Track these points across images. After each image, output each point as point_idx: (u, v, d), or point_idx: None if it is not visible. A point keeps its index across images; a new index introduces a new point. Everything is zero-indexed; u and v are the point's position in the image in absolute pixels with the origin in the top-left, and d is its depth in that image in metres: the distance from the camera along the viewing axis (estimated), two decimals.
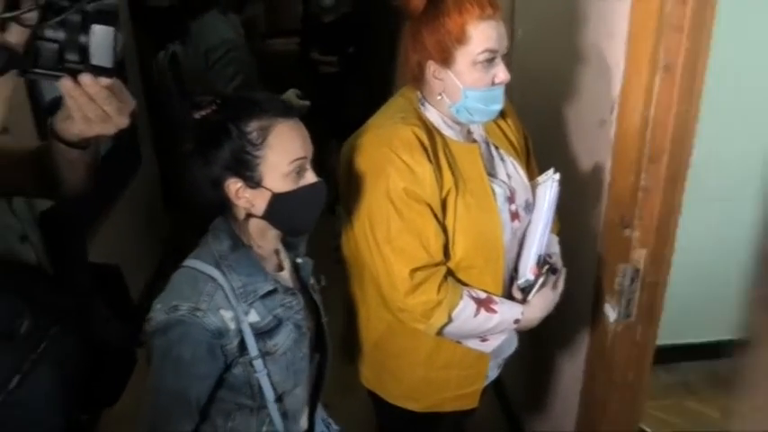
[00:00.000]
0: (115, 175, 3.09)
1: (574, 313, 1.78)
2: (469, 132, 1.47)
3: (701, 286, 2.66)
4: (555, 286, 1.48)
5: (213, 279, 1.15)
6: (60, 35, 0.73)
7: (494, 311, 1.40)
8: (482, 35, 1.27)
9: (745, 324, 0.97)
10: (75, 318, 1.15)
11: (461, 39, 1.27)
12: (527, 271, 1.47)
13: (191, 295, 1.13)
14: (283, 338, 1.22)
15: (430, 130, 1.38)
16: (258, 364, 1.18)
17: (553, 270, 1.48)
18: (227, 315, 1.14)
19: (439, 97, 1.36)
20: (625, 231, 1.50)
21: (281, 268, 1.31)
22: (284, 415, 1.27)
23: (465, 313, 1.37)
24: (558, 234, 1.61)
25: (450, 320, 1.37)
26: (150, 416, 1.16)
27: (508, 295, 1.48)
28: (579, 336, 1.84)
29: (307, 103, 1.32)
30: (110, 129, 0.87)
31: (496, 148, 1.50)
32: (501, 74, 1.32)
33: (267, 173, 1.14)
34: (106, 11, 0.75)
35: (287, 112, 1.16)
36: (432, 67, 1.33)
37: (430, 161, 1.33)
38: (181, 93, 3.39)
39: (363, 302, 1.53)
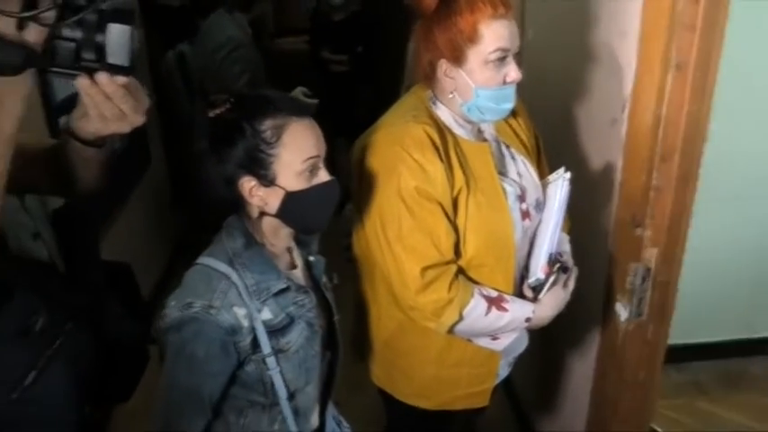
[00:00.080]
0: (126, 174, 3.10)
1: (585, 312, 1.77)
2: (480, 131, 1.48)
3: (713, 285, 2.66)
4: (566, 285, 1.48)
5: (227, 277, 1.16)
6: (77, 34, 0.74)
7: (505, 310, 1.40)
8: (494, 34, 1.27)
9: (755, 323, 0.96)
10: (89, 315, 1.16)
11: (473, 38, 1.27)
12: (538, 270, 1.47)
13: (205, 292, 1.14)
14: (296, 336, 1.23)
15: (441, 128, 1.38)
16: (271, 361, 1.18)
17: (564, 269, 1.48)
18: (240, 312, 1.14)
19: (450, 96, 1.36)
20: (636, 230, 1.49)
21: (293, 266, 1.31)
22: (296, 412, 1.28)
23: (476, 312, 1.38)
24: (569, 233, 1.61)
25: (460, 319, 1.37)
26: (163, 412, 1.17)
27: (519, 294, 1.47)
28: (590, 335, 1.83)
29: (315, 101, 1.32)
30: (125, 127, 0.88)
31: (507, 146, 1.50)
32: (512, 73, 1.32)
33: (281, 171, 1.14)
34: (123, 10, 0.75)
35: (301, 110, 1.16)
36: (443, 66, 1.33)
37: (441, 160, 1.33)
38: (189, 92, 3.41)
39: (374, 301, 1.53)
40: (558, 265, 1.46)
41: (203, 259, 1.21)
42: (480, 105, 1.34)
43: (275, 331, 1.20)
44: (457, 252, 1.39)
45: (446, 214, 1.35)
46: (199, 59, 3.33)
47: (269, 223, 1.21)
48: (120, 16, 0.75)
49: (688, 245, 1.53)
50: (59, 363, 1.04)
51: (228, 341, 1.14)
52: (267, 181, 1.14)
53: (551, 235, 1.46)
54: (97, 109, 0.84)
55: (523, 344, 1.63)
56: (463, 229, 1.38)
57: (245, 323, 1.15)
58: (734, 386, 2.77)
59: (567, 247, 1.58)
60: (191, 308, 1.12)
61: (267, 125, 1.13)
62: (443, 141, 1.36)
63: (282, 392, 1.22)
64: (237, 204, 1.22)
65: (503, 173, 1.45)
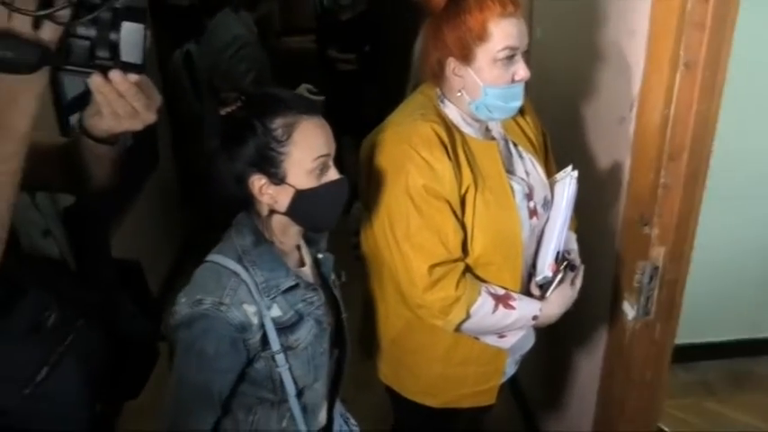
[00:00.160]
0: (135, 172, 3.12)
1: (592, 311, 1.77)
2: (488, 129, 1.48)
3: (720, 285, 2.65)
4: (573, 283, 1.48)
5: (236, 274, 1.16)
6: (92, 32, 0.75)
7: (512, 308, 1.40)
8: (503, 32, 1.27)
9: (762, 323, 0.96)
10: (100, 312, 1.16)
11: (482, 36, 1.27)
12: (545, 268, 1.47)
13: (215, 289, 1.14)
14: (305, 333, 1.23)
15: (449, 127, 1.38)
16: (280, 358, 1.19)
17: (571, 267, 1.48)
18: (250, 309, 1.15)
19: (459, 94, 1.36)
20: (644, 229, 1.49)
21: (302, 264, 1.32)
22: (304, 409, 1.28)
23: (483, 309, 1.38)
24: (576, 231, 1.61)
25: (468, 316, 1.37)
26: (173, 409, 1.17)
27: (526, 292, 1.48)
28: (597, 333, 1.83)
29: (321, 97, 1.33)
30: (138, 124, 0.88)
31: (515, 145, 1.50)
32: (521, 71, 1.32)
33: (291, 169, 1.15)
34: (136, 8, 0.76)
35: (311, 109, 1.16)
36: (452, 65, 1.33)
37: (449, 158, 1.33)
38: (196, 91, 3.43)
39: (382, 299, 1.54)
40: (565, 264, 1.46)
41: (213, 257, 1.21)
42: (488, 104, 1.34)
43: (284, 328, 1.20)
44: (464, 250, 1.39)
45: (454, 212, 1.35)
46: (206, 58, 3.35)
47: (278, 221, 1.22)
48: (133, 14, 0.76)
49: (695, 243, 1.53)
50: (71, 359, 1.05)
51: (238, 338, 1.14)
52: (277, 179, 1.15)
53: (559, 233, 1.46)
54: (110, 107, 0.84)
55: (530, 342, 1.63)
56: (471, 227, 1.38)
57: (255, 320, 1.16)
58: (741, 386, 2.77)
59: (574, 246, 1.59)
60: (201, 305, 1.13)
61: (278, 123, 1.13)
62: (451, 140, 1.36)
63: (291, 389, 1.23)
64: (247, 202, 1.22)
65: (510, 171, 1.45)
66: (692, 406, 2.62)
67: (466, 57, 1.30)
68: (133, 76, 0.80)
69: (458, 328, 1.40)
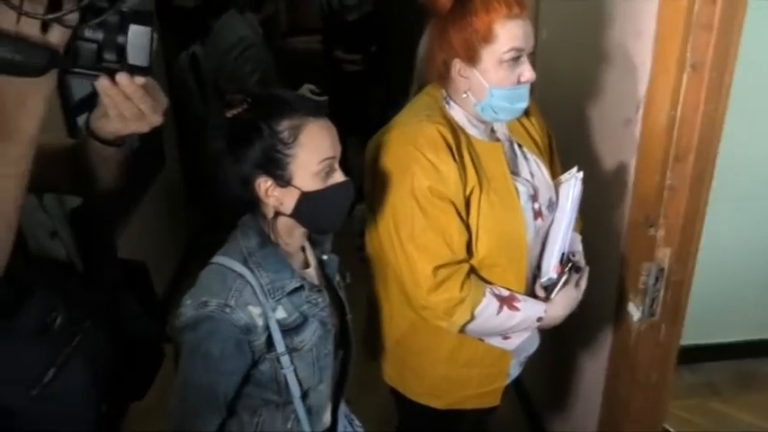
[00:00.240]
0: (141, 174, 3.13)
1: (597, 312, 1.77)
2: (493, 131, 1.48)
3: (725, 286, 2.65)
4: (578, 285, 1.48)
5: (242, 276, 1.17)
6: (99, 35, 0.75)
7: (516, 309, 1.40)
8: (509, 34, 1.27)
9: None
10: (107, 313, 1.17)
11: (488, 37, 1.27)
12: (550, 269, 1.47)
13: (220, 291, 1.15)
14: (309, 335, 1.23)
15: (454, 128, 1.38)
16: (285, 360, 1.19)
17: (576, 268, 1.48)
18: (255, 311, 1.15)
19: (464, 95, 1.37)
20: (650, 230, 1.49)
21: (307, 265, 1.32)
22: (309, 411, 1.28)
23: (488, 311, 1.38)
24: (581, 232, 1.61)
25: (472, 318, 1.37)
26: (178, 411, 1.18)
27: (531, 293, 1.48)
28: (602, 335, 1.83)
29: (324, 98, 1.33)
30: (144, 126, 0.89)
31: (520, 146, 1.50)
32: (527, 72, 1.31)
33: (297, 172, 1.15)
34: (143, 11, 0.76)
35: (317, 111, 1.17)
36: (457, 66, 1.33)
37: (454, 159, 1.33)
38: (202, 93, 3.43)
39: (386, 300, 1.54)
40: (570, 265, 1.46)
41: (218, 258, 1.21)
42: (494, 105, 1.34)
43: (289, 330, 1.21)
44: (469, 251, 1.39)
45: (459, 214, 1.35)
46: (211, 60, 3.35)
47: (284, 223, 1.22)
48: (140, 18, 0.76)
49: (701, 244, 1.53)
50: (78, 360, 1.05)
51: (243, 340, 1.15)
52: (283, 181, 1.15)
53: (563, 234, 1.46)
54: (117, 109, 0.85)
55: (535, 343, 1.63)
56: (476, 228, 1.38)
57: (260, 322, 1.16)
58: (747, 387, 2.76)
59: (579, 247, 1.58)
60: (206, 306, 1.13)
61: (284, 125, 1.13)
62: (457, 141, 1.36)
63: (296, 391, 1.23)
64: (252, 204, 1.23)
65: (515, 172, 1.45)
66: (697, 407, 2.62)
67: (472, 58, 1.30)
68: (140, 79, 0.81)
69: (462, 330, 1.40)
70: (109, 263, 1.30)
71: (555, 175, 1.55)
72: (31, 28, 0.70)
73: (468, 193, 1.36)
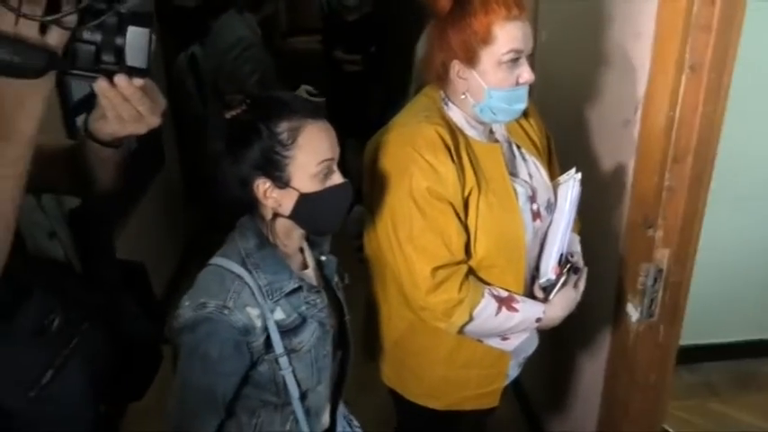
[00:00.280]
0: (140, 174, 3.12)
1: (595, 313, 1.77)
2: (491, 132, 1.48)
3: (724, 286, 2.65)
4: (576, 285, 1.48)
5: (240, 277, 1.16)
6: (97, 37, 0.75)
7: (515, 310, 1.40)
8: (508, 35, 1.27)
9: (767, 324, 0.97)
10: (105, 314, 1.17)
11: (487, 39, 1.27)
12: (548, 270, 1.47)
13: (218, 293, 1.14)
14: (308, 336, 1.23)
15: (453, 129, 1.38)
16: (284, 361, 1.19)
17: (575, 269, 1.48)
18: (253, 312, 1.15)
19: (463, 97, 1.37)
20: (648, 231, 1.49)
21: (305, 266, 1.32)
22: (307, 412, 1.28)
23: (486, 312, 1.38)
24: (580, 233, 1.61)
25: (471, 319, 1.37)
26: (177, 412, 1.18)
27: (530, 294, 1.48)
28: (601, 335, 1.83)
29: (321, 99, 1.33)
30: (142, 128, 0.89)
31: (518, 147, 1.50)
32: (525, 74, 1.32)
33: (295, 173, 1.15)
34: (141, 13, 0.76)
35: (316, 112, 1.17)
36: (456, 67, 1.33)
37: (453, 161, 1.33)
38: (201, 93, 3.43)
39: (385, 301, 1.54)
40: (568, 266, 1.46)
41: (216, 260, 1.21)
42: (493, 106, 1.34)
43: (288, 331, 1.21)
44: (467, 252, 1.39)
45: (457, 215, 1.35)
46: (210, 61, 3.35)
47: (282, 224, 1.22)
48: (138, 19, 0.76)
49: (699, 246, 1.53)
50: (76, 362, 1.05)
51: (242, 341, 1.15)
52: (282, 183, 1.15)
53: (562, 236, 1.46)
54: (115, 111, 0.85)
55: (534, 344, 1.63)
56: (474, 229, 1.38)
57: (259, 323, 1.16)
58: (746, 387, 2.76)
59: (577, 248, 1.58)
60: (204, 308, 1.13)
61: (283, 127, 1.13)
62: (455, 142, 1.36)
63: (295, 392, 1.23)
64: (251, 205, 1.22)
65: (514, 174, 1.45)
66: (696, 407, 2.62)
67: (470, 59, 1.30)
68: (138, 81, 0.81)
69: (461, 331, 1.40)
70: (107, 263, 1.30)
71: (553, 176, 1.55)
72: (29, 30, 0.70)
73: (466, 194, 1.36)
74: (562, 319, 1.46)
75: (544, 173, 1.51)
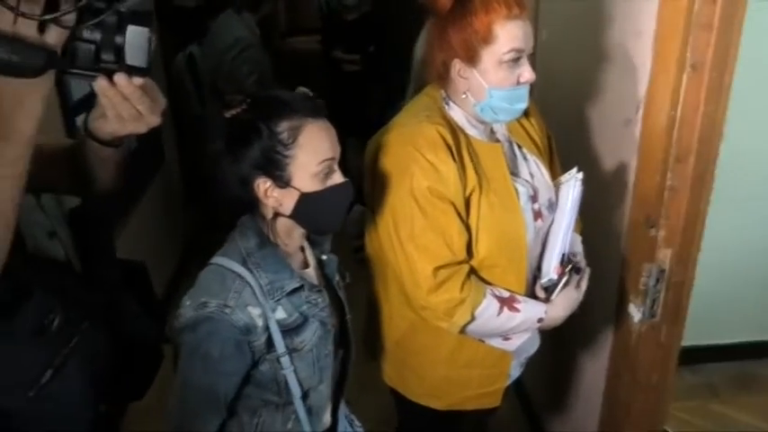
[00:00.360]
0: (140, 174, 3.12)
1: (597, 313, 1.77)
2: (492, 131, 1.47)
3: (726, 287, 2.64)
4: (578, 285, 1.47)
5: (241, 276, 1.16)
6: (97, 36, 0.75)
7: (517, 310, 1.39)
8: (508, 35, 1.26)
9: None
10: (105, 314, 1.16)
11: (488, 38, 1.27)
12: (550, 270, 1.47)
13: (219, 292, 1.14)
14: (309, 335, 1.23)
15: (454, 128, 1.38)
16: (285, 360, 1.19)
17: (577, 269, 1.47)
18: (254, 312, 1.15)
19: (464, 96, 1.36)
20: (650, 231, 1.49)
21: (306, 265, 1.32)
22: (309, 411, 1.28)
23: (488, 312, 1.37)
24: (582, 233, 1.61)
25: (472, 319, 1.37)
26: (178, 412, 1.17)
27: (531, 294, 1.47)
28: (602, 336, 1.83)
29: (320, 100, 1.32)
30: (142, 127, 0.89)
31: (519, 147, 1.50)
32: (526, 73, 1.31)
33: (296, 173, 1.14)
34: (141, 12, 0.76)
35: (316, 112, 1.16)
36: (457, 66, 1.33)
37: (454, 160, 1.33)
38: (199, 93, 3.44)
39: (386, 300, 1.54)
40: (570, 266, 1.46)
41: (217, 259, 1.21)
42: (494, 105, 1.34)
43: (289, 330, 1.20)
44: (469, 252, 1.39)
45: (458, 214, 1.35)
46: (208, 61, 3.35)
47: (283, 224, 1.22)
48: (138, 18, 0.76)
49: (702, 245, 1.52)
50: (76, 361, 1.05)
51: (243, 341, 1.14)
52: (282, 182, 1.15)
53: (564, 235, 1.45)
54: (115, 110, 0.85)
55: (535, 344, 1.62)
56: (475, 229, 1.38)
57: (260, 323, 1.15)
58: (747, 388, 2.76)
59: (579, 248, 1.58)
60: (205, 307, 1.13)
61: (284, 126, 1.13)
62: (456, 141, 1.36)
63: (296, 391, 1.22)
64: (251, 204, 1.22)
65: (515, 173, 1.45)
66: (697, 408, 2.62)
67: (471, 59, 1.30)
68: (138, 80, 0.81)
69: (462, 331, 1.40)
70: (107, 263, 1.30)
71: (554, 175, 1.54)
72: (28, 29, 0.70)
73: (467, 193, 1.36)
74: (564, 319, 1.46)
75: (545, 172, 1.50)
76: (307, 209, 1.17)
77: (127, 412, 2.01)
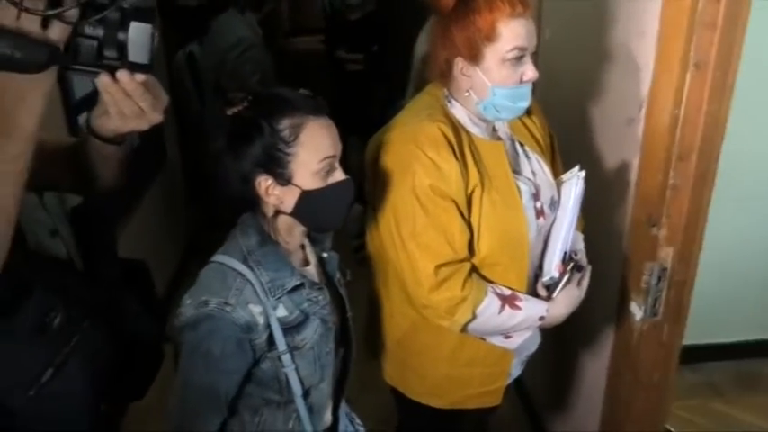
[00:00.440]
0: (142, 172, 3.12)
1: (599, 311, 1.77)
2: (495, 130, 1.47)
3: (727, 286, 2.65)
4: (580, 284, 1.47)
5: (242, 274, 1.16)
6: (99, 32, 0.75)
7: (518, 308, 1.39)
8: (512, 33, 1.26)
9: None
10: (106, 312, 1.16)
11: (491, 36, 1.27)
12: (552, 268, 1.47)
13: (220, 290, 1.14)
14: (311, 333, 1.23)
15: (456, 127, 1.38)
16: (287, 358, 1.18)
17: (578, 267, 1.47)
18: (255, 310, 1.15)
19: (466, 94, 1.36)
20: (652, 230, 1.49)
21: (307, 263, 1.31)
22: (310, 410, 1.28)
23: (489, 310, 1.37)
24: (583, 231, 1.61)
25: (474, 317, 1.37)
26: (179, 411, 1.17)
27: (533, 292, 1.47)
28: (604, 334, 1.83)
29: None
30: (144, 124, 0.88)
31: (521, 145, 1.50)
32: (529, 72, 1.31)
33: (297, 170, 1.14)
34: (144, 8, 0.76)
35: (318, 109, 1.16)
36: (460, 64, 1.33)
37: (456, 158, 1.33)
38: (199, 92, 3.43)
39: (387, 299, 1.54)
40: (572, 264, 1.46)
41: (218, 257, 1.21)
42: (496, 104, 1.34)
43: (290, 328, 1.20)
44: (471, 250, 1.39)
45: (460, 212, 1.35)
46: (209, 59, 3.35)
47: (284, 221, 1.21)
48: (141, 15, 0.75)
49: (703, 244, 1.52)
50: (76, 360, 1.05)
51: (244, 339, 1.14)
52: (284, 180, 1.14)
53: (565, 233, 1.45)
54: (117, 107, 0.85)
55: (536, 343, 1.62)
56: (477, 227, 1.38)
57: (261, 320, 1.15)
58: (748, 387, 2.76)
59: (581, 246, 1.58)
60: (206, 305, 1.12)
61: (285, 124, 1.12)
62: (458, 139, 1.35)
63: (297, 390, 1.22)
64: (252, 202, 1.22)
65: (517, 171, 1.45)
66: (698, 407, 2.62)
67: (474, 57, 1.30)
68: (140, 77, 0.80)
69: (464, 329, 1.39)
70: (109, 262, 1.30)
71: (557, 174, 1.54)
72: (31, 24, 0.70)
73: (469, 191, 1.36)
74: (565, 317, 1.46)
75: (547, 170, 1.50)
76: (308, 207, 1.17)
77: (127, 412, 2.01)
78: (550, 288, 1.47)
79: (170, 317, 1.24)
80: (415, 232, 1.33)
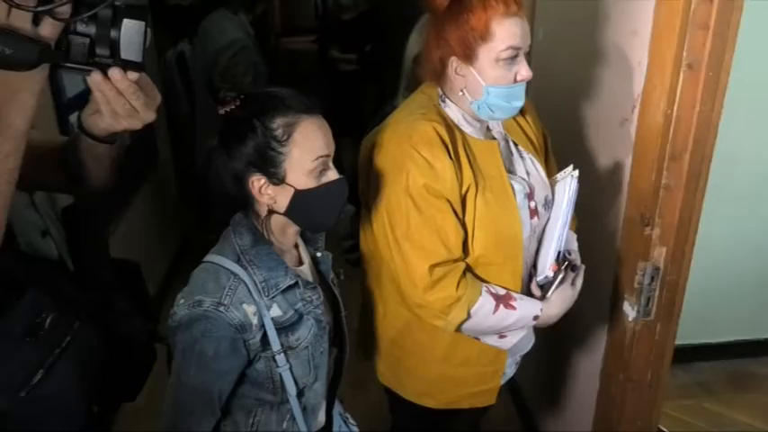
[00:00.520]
0: (134, 172, 3.11)
1: (592, 311, 1.77)
2: (489, 129, 1.47)
3: (720, 286, 2.66)
4: (574, 283, 1.47)
5: (235, 274, 1.15)
6: (91, 29, 0.74)
7: (513, 308, 1.39)
8: (506, 32, 1.26)
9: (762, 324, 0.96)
10: (98, 313, 1.15)
11: (485, 35, 1.26)
12: (546, 268, 1.47)
13: (214, 290, 1.13)
14: (305, 333, 1.22)
15: (450, 126, 1.38)
16: (281, 358, 1.18)
17: (572, 267, 1.47)
18: (249, 309, 1.14)
19: (460, 93, 1.36)
20: (645, 229, 1.49)
21: (300, 262, 1.31)
22: (304, 410, 1.28)
23: (484, 310, 1.37)
24: (577, 231, 1.61)
25: (468, 317, 1.37)
26: (172, 411, 1.16)
27: (527, 292, 1.47)
28: (597, 334, 1.83)
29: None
30: (136, 123, 0.88)
31: (515, 144, 1.50)
32: (523, 71, 1.31)
33: (291, 170, 1.14)
34: (136, 6, 0.75)
35: (311, 108, 1.16)
36: (454, 64, 1.33)
37: (450, 157, 1.32)
38: (188, 91, 3.42)
39: (381, 299, 1.53)
40: (566, 264, 1.46)
41: (211, 257, 1.20)
42: (490, 103, 1.33)
43: (284, 328, 1.20)
44: (465, 250, 1.38)
45: (454, 212, 1.35)
46: (200, 59, 3.34)
47: (277, 221, 1.21)
48: (133, 12, 0.75)
49: (696, 244, 1.53)
50: (67, 362, 1.04)
51: (238, 339, 1.13)
52: (277, 179, 1.14)
53: (559, 233, 1.45)
54: (109, 105, 0.84)
55: (530, 342, 1.62)
56: (471, 226, 1.37)
57: (255, 320, 1.15)
58: (741, 387, 2.77)
59: (574, 246, 1.58)
60: (200, 306, 1.12)
61: (278, 123, 1.12)
62: (452, 139, 1.35)
63: (292, 390, 1.22)
64: (245, 202, 1.21)
65: (511, 171, 1.45)
66: (691, 407, 2.63)
67: (468, 56, 1.30)
68: (133, 75, 0.80)
69: (458, 329, 1.39)
70: (100, 262, 1.29)
71: (551, 174, 1.54)
72: (21, 21, 0.69)
73: (464, 191, 1.36)
74: (559, 316, 1.46)
75: (541, 170, 1.50)
76: (301, 206, 1.16)
77: (120, 413, 1.99)
78: (544, 288, 1.46)
79: (162, 317, 1.24)
80: (409, 232, 1.33)
